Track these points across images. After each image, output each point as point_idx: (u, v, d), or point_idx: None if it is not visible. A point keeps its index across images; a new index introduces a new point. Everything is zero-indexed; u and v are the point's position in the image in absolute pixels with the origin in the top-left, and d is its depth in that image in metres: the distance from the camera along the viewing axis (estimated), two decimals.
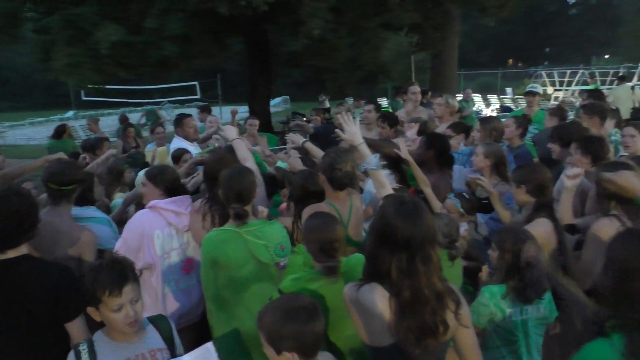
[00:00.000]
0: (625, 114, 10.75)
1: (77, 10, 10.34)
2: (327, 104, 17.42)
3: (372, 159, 2.70)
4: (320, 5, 9.69)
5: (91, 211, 3.41)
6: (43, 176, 2.92)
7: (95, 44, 9.96)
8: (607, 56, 43.40)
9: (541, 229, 2.69)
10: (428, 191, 3.47)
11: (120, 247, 2.93)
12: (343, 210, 3.05)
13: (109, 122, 18.44)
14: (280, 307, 1.71)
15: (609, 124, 4.45)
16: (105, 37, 9.77)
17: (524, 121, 4.84)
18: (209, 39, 11.61)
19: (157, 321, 2.16)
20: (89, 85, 11.91)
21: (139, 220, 3.00)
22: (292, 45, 14.48)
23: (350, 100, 5.77)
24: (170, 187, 3.13)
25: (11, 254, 2.18)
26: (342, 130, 2.98)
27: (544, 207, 2.81)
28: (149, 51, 10.46)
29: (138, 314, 1.97)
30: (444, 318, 1.74)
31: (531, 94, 6.80)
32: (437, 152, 3.75)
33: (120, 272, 1.95)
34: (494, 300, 2.38)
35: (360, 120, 5.08)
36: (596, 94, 5.32)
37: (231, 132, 3.55)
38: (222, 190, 2.67)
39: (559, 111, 5.13)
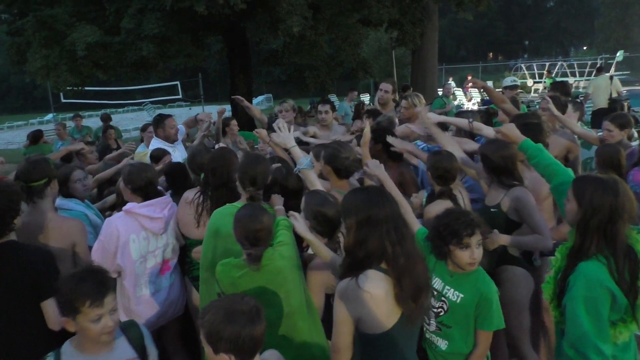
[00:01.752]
0: (603, 103, 10.92)
1: (51, 11, 10.21)
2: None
3: (303, 160, 2.97)
4: (298, 2, 9.70)
5: (72, 204, 3.43)
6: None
7: (71, 46, 9.86)
8: (584, 48, 44.12)
9: (439, 207, 2.83)
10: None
11: (97, 249, 2.93)
12: None
13: (89, 124, 18.27)
14: (223, 308, 1.69)
15: (573, 117, 4.49)
16: (81, 39, 9.67)
17: (485, 115, 4.94)
18: (188, 38, 11.54)
19: (128, 329, 2.10)
20: (67, 88, 11.75)
21: (115, 223, 2.98)
22: (271, 43, 14.46)
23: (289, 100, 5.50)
24: (145, 190, 3.10)
25: None
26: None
27: (446, 191, 3.05)
28: (127, 52, 10.37)
29: (115, 324, 1.93)
30: (428, 275, 1.97)
31: (511, 87, 6.90)
32: (384, 146, 3.76)
33: (101, 282, 1.90)
34: None
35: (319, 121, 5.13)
36: (560, 86, 5.36)
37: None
38: (238, 175, 2.84)
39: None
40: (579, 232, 2.06)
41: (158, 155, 4.45)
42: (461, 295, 2.30)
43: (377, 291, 1.83)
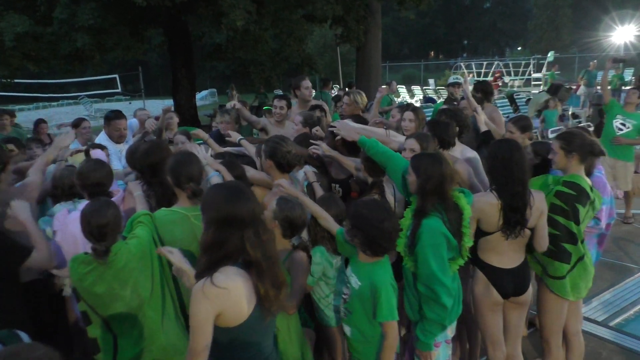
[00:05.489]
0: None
1: None
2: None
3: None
4: None
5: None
6: None
7: None
8: (519, 48, 46.25)
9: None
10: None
11: (56, 253, 2.78)
12: None
13: (20, 119, 17.28)
14: None
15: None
16: (9, 28, 9.12)
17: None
18: (126, 30, 11.13)
19: (7, 341, 1.87)
20: None
21: (70, 225, 2.81)
22: (215, 37, 14.22)
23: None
24: (93, 190, 2.92)
25: None
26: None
27: (376, 184, 3.28)
28: (60, 43, 9.89)
29: None
30: (284, 274, 2.04)
31: (454, 85, 7.19)
32: (342, 139, 3.81)
33: None
34: None
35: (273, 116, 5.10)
36: (482, 86, 5.58)
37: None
38: (171, 174, 2.72)
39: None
40: (419, 196, 2.58)
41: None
42: (359, 283, 2.46)
43: (233, 285, 1.84)
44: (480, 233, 2.85)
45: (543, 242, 2.88)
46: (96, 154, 3.69)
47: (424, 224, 2.50)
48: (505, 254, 2.86)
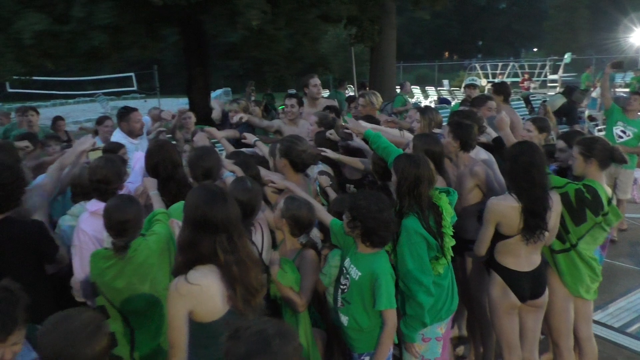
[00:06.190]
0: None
1: None
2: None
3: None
4: None
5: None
6: None
7: (17, 34, 9.38)
8: (534, 49, 45.76)
9: None
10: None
11: (76, 255, 2.80)
12: (306, 192, 3.17)
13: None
14: (61, 329, 1.56)
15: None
16: (28, 27, 9.22)
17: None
18: (142, 29, 11.22)
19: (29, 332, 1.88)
20: (13, 77, 11.20)
21: (85, 227, 2.83)
22: (229, 36, 14.26)
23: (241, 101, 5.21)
24: (99, 189, 2.91)
25: None
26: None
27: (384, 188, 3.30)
28: (77, 41, 9.99)
29: (13, 355, 1.75)
30: (262, 279, 2.07)
31: (471, 86, 7.14)
32: (346, 147, 3.85)
33: (9, 315, 1.70)
34: None
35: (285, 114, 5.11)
36: (502, 88, 5.49)
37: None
38: (190, 167, 2.86)
39: None
40: (397, 197, 2.67)
41: (112, 150, 4.29)
42: (359, 274, 2.52)
43: (206, 282, 1.91)
44: (498, 236, 2.83)
45: (550, 238, 2.89)
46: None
47: (403, 224, 2.60)
48: (523, 257, 2.83)
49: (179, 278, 1.93)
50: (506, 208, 2.74)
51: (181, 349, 1.91)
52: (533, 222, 2.71)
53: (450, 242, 2.68)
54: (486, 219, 2.84)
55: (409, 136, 3.82)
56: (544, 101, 12.72)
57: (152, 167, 3.09)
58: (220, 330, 1.91)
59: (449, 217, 2.68)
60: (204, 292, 1.90)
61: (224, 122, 5.93)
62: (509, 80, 24.34)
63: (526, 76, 24.49)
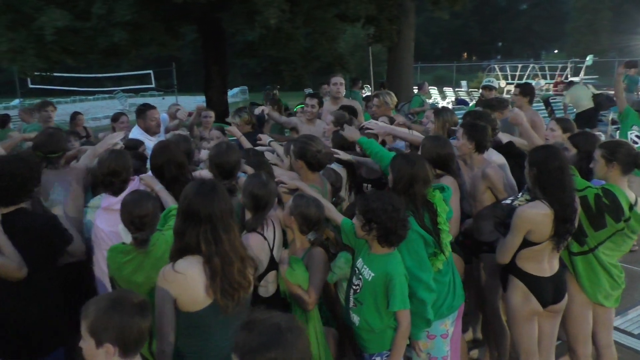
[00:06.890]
0: (587, 106, 10.05)
1: None
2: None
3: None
4: None
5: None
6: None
7: (39, 30, 9.55)
8: (555, 51, 45.16)
9: None
10: None
11: (96, 248, 2.91)
12: (323, 191, 3.20)
13: (58, 111, 17.77)
14: (109, 298, 1.67)
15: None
16: (49, 23, 9.38)
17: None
18: (161, 26, 11.33)
19: None
20: (34, 73, 11.38)
21: (100, 223, 2.92)
22: (247, 34, 14.32)
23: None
24: (108, 181, 2.97)
25: (11, 208, 2.54)
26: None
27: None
28: (97, 38, 10.14)
29: None
30: (248, 275, 2.10)
31: (487, 88, 6.99)
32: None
33: None
34: None
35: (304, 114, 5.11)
36: (528, 89, 5.39)
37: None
38: (210, 162, 2.95)
39: None
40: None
41: (131, 147, 4.31)
42: (372, 274, 2.51)
43: (191, 272, 1.96)
44: (526, 243, 2.74)
45: None
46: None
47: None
48: (545, 262, 2.77)
49: (167, 265, 2.00)
50: (539, 216, 2.65)
51: (167, 334, 1.97)
52: (564, 228, 2.65)
53: (447, 237, 2.67)
54: (517, 227, 2.72)
55: (418, 136, 3.83)
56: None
57: (157, 168, 3.09)
58: (205, 321, 2.01)
59: (444, 213, 2.67)
60: (188, 281, 1.96)
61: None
62: (543, 82, 24.17)
63: (559, 78, 24.16)
